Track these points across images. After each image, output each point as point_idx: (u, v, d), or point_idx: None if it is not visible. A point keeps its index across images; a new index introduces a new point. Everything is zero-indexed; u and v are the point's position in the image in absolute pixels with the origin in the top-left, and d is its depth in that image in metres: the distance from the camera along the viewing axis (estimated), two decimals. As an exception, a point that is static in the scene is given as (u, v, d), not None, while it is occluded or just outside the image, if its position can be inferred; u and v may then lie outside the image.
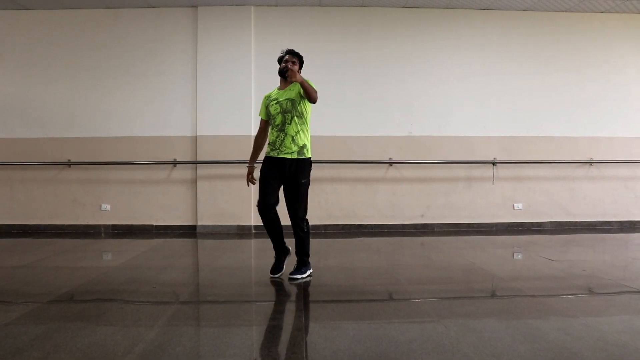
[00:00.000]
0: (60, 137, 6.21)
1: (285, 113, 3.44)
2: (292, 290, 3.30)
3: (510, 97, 6.44)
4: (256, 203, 3.51)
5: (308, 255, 3.57)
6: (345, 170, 6.27)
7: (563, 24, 6.50)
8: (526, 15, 6.46)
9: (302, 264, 3.53)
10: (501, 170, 6.39)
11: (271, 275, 3.52)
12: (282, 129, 3.45)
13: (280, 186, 3.52)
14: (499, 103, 6.43)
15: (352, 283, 3.46)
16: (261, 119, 3.67)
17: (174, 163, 6.20)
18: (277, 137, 3.47)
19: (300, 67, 3.63)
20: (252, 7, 6.23)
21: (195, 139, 6.20)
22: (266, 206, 3.43)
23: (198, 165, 6.19)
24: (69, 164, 6.19)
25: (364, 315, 2.71)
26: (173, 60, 6.25)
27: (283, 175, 3.46)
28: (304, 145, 3.47)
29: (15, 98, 6.25)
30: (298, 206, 3.45)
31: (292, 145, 3.42)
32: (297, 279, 3.45)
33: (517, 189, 6.44)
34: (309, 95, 3.36)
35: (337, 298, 3.22)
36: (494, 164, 6.36)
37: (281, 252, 3.58)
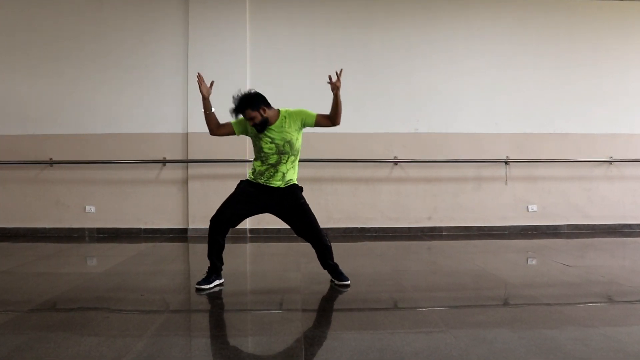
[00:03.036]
0: (42, 134, 6.20)
1: (282, 154, 3.39)
2: (290, 298, 3.30)
3: (524, 91, 6.44)
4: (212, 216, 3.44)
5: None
6: (347, 169, 6.27)
7: (580, 13, 6.49)
8: (540, 3, 6.46)
9: (337, 267, 3.61)
10: (514, 170, 6.39)
11: (197, 286, 3.41)
12: (274, 165, 3.40)
13: (251, 215, 3.55)
14: (511, 98, 6.43)
15: (354, 290, 3.46)
16: (230, 123, 3.49)
17: (164, 162, 6.19)
18: (266, 170, 3.41)
19: (265, 105, 3.34)
20: (248, -5, 6.24)
21: (186, 136, 6.20)
22: (220, 222, 3.39)
23: (189, 164, 6.18)
24: (51, 163, 6.18)
25: (367, 324, 2.70)
26: (163, 53, 6.25)
27: (266, 203, 3.44)
28: (291, 179, 3.48)
29: (-7, 92, 6.26)
30: (314, 226, 3.46)
31: (281, 181, 3.42)
32: (348, 283, 3.51)
33: (530, 189, 6.44)
34: (336, 119, 3.41)
35: (338, 306, 3.23)
36: (506, 162, 6.36)
37: (213, 270, 3.51)
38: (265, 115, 3.31)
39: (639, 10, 6.53)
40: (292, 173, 3.48)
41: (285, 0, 6.29)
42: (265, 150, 3.38)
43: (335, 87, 3.30)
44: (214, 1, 6.17)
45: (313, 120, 3.42)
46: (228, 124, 3.51)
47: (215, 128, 3.49)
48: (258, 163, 3.46)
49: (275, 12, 6.28)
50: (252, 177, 3.48)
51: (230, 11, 6.19)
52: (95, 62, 6.23)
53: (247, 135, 3.52)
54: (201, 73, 3.44)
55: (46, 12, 6.24)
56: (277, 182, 3.42)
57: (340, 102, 3.33)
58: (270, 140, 3.37)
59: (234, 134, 3.54)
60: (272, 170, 3.41)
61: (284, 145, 3.37)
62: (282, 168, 3.41)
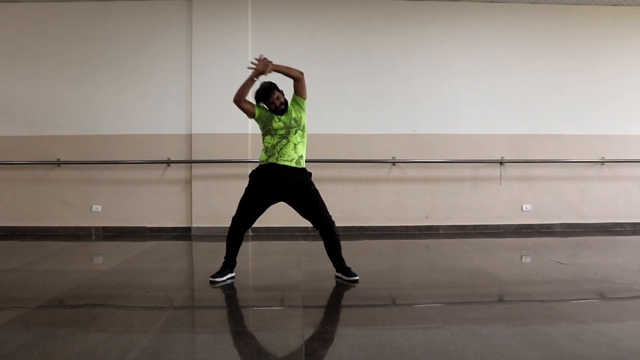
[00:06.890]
0: (49, 135, 6.21)
1: (290, 128, 3.57)
2: (291, 295, 3.31)
3: (519, 93, 6.44)
4: (234, 216, 3.58)
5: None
6: (347, 169, 6.28)
7: (573, 18, 6.50)
8: (535, 8, 6.47)
9: (345, 266, 3.67)
10: (509, 170, 6.40)
11: (211, 279, 3.56)
12: (285, 136, 3.55)
13: (267, 207, 3.61)
14: (508, 100, 6.44)
15: (354, 287, 3.46)
16: (253, 104, 3.67)
17: (168, 162, 6.20)
18: (278, 142, 3.54)
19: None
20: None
21: (189, 137, 6.20)
22: (243, 223, 3.56)
23: (193, 164, 6.19)
24: (58, 163, 6.19)
25: (366, 321, 2.71)
26: (167, 55, 6.26)
27: (280, 191, 3.53)
28: (302, 156, 3.60)
29: (1, 95, 6.26)
30: (323, 211, 3.60)
31: (293, 152, 3.53)
32: (357, 278, 3.56)
33: (525, 189, 6.44)
34: (294, 76, 3.51)
35: (338, 303, 3.24)
36: (501, 163, 6.36)
37: (228, 265, 3.65)
38: (285, 97, 3.61)
39: (632, 14, 6.54)
40: (302, 148, 3.60)
41: (286, 4, 6.30)
42: (275, 127, 3.57)
43: (262, 68, 3.47)
44: (217, 5, 6.18)
45: (295, 92, 3.64)
46: (251, 103, 3.67)
47: (244, 96, 3.63)
48: (268, 137, 3.60)
49: (276, 16, 6.29)
50: (265, 156, 3.57)
51: (232, 14, 6.20)
52: (100, 65, 6.24)
53: (258, 121, 3.65)
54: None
55: (52, 16, 6.24)
56: (289, 155, 3.51)
57: (286, 67, 3.52)
58: (279, 119, 3.57)
59: (250, 113, 3.67)
60: (284, 142, 3.54)
61: (291, 122, 3.57)
62: (293, 139, 3.55)
